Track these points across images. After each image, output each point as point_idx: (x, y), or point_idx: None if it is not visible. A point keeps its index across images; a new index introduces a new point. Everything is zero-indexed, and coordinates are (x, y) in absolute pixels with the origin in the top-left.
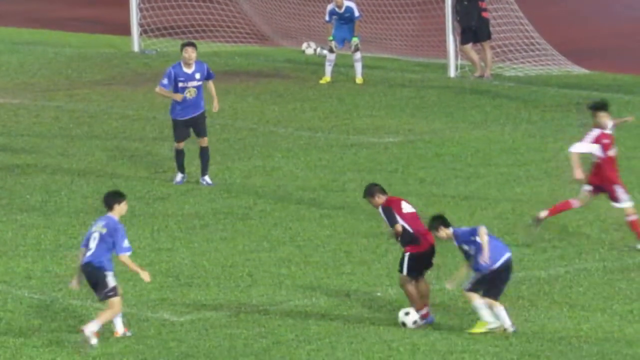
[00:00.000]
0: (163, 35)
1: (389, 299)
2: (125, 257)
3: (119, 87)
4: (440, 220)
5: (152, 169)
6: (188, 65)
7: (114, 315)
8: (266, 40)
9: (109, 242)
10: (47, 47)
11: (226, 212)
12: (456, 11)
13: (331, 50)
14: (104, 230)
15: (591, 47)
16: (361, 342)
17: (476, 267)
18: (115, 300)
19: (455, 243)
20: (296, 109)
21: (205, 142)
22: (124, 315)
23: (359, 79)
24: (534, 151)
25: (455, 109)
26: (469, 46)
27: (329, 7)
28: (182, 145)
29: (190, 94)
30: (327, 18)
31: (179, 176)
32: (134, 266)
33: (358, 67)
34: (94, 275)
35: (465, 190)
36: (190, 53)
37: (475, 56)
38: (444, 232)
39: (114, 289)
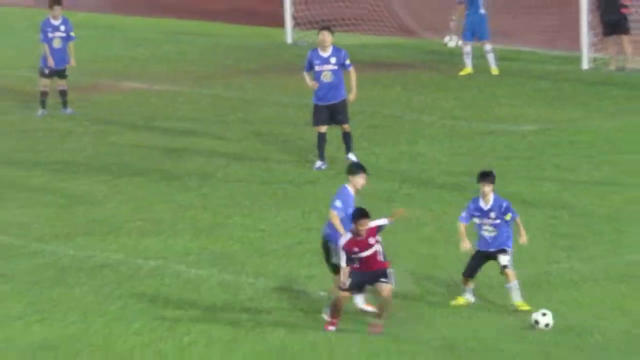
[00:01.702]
0: (314, 28)
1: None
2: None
3: (272, 76)
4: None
5: (303, 154)
6: (324, 49)
7: None
8: (411, 33)
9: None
10: (205, 37)
11: (371, 195)
12: (599, 5)
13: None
14: None
15: None
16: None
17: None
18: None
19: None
20: (439, 98)
21: (347, 128)
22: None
23: (494, 70)
24: None
25: (589, 100)
26: (609, 39)
27: None
28: (323, 129)
29: (326, 77)
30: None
31: (318, 163)
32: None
33: (491, 58)
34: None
35: (597, 176)
36: (326, 36)
37: (614, 49)
38: None
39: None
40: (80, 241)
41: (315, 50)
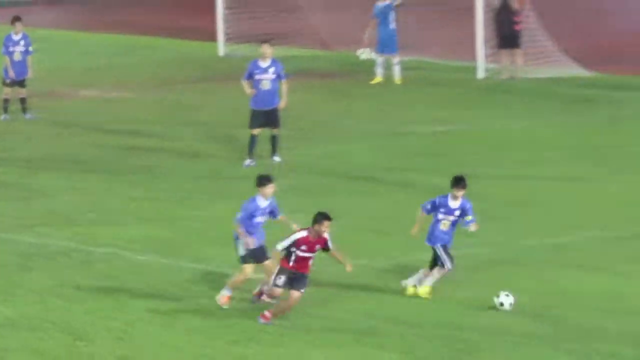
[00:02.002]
0: (244, 42)
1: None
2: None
3: (208, 83)
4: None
5: (236, 153)
6: (264, 60)
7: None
8: (329, 47)
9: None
10: (150, 50)
11: (296, 188)
12: (495, 21)
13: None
14: None
15: (597, 54)
16: None
17: None
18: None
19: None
20: (355, 104)
21: (277, 132)
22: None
23: (397, 80)
24: (550, 139)
25: (484, 104)
26: (502, 52)
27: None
28: (256, 131)
29: (264, 85)
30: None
31: (247, 161)
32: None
33: (397, 69)
34: None
35: (494, 169)
36: (267, 49)
37: (505, 61)
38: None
39: (244, 257)
40: (39, 230)
41: (255, 61)
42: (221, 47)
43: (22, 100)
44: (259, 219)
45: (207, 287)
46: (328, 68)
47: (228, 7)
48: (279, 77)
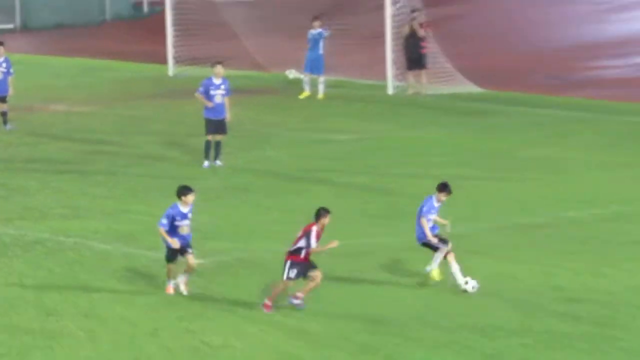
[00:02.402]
0: (191, 64)
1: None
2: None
3: (159, 99)
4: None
5: (184, 157)
6: (217, 77)
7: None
8: (261, 67)
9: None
10: (110, 71)
11: (233, 187)
12: (404, 46)
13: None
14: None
15: (487, 73)
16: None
17: None
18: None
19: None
20: (283, 116)
21: (223, 139)
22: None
23: (320, 96)
24: (448, 145)
25: (393, 117)
26: (409, 72)
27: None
28: (210, 137)
29: (217, 99)
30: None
31: (206, 162)
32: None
33: (321, 87)
34: None
35: (400, 172)
36: (219, 69)
37: (412, 79)
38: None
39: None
40: (17, 223)
41: (210, 78)
42: (170, 68)
43: (4, 114)
44: (181, 223)
45: (160, 271)
46: (261, 86)
47: (176, 34)
48: (227, 92)
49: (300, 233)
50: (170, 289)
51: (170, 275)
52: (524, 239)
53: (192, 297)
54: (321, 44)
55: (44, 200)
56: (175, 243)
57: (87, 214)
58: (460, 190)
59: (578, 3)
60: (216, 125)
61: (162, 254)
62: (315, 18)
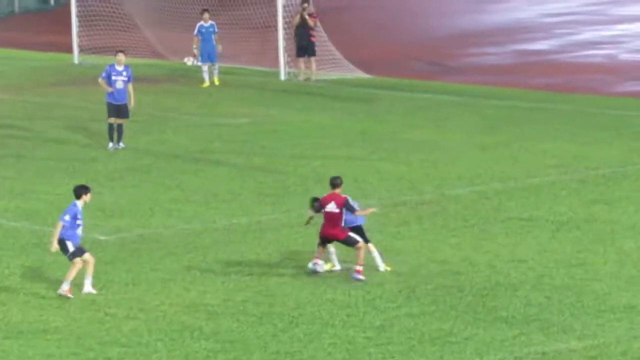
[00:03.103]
0: (94, 53)
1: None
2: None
3: (65, 87)
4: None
5: (86, 140)
6: (119, 64)
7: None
8: (160, 56)
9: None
10: (18, 61)
11: (134, 169)
12: (295, 34)
13: (195, 58)
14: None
15: (373, 61)
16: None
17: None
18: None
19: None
20: (180, 101)
21: (123, 122)
22: None
23: (216, 80)
24: (337, 128)
25: (285, 101)
26: (300, 59)
27: (198, 24)
28: (112, 120)
29: (119, 85)
30: (195, 32)
31: (110, 144)
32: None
33: (216, 73)
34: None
35: (291, 152)
36: (121, 57)
37: (302, 66)
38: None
39: (74, 253)
40: None
41: (112, 65)
42: (76, 57)
43: None
44: (80, 221)
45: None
46: (160, 74)
47: (81, 25)
48: (129, 79)
49: (329, 206)
50: (68, 290)
51: (72, 275)
52: (410, 216)
53: (97, 271)
54: (213, 35)
55: None
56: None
57: None
58: (348, 170)
59: None
60: (117, 110)
61: None
62: (205, 10)
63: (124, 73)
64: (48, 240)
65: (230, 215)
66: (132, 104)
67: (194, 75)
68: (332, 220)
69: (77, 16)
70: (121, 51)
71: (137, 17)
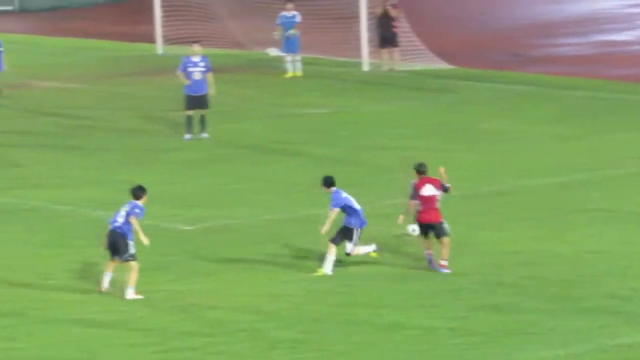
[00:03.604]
0: (177, 43)
1: None
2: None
3: (148, 77)
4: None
5: (169, 129)
6: (195, 55)
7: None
8: (242, 46)
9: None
10: (98, 51)
11: (213, 159)
12: (377, 25)
13: (278, 40)
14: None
15: (454, 51)
16: None
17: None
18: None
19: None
20: (261, 92)
21: (205, 112)
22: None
23: (298, 73)
24: (417, 119)
25: (367, 92)
26: (383, 50)
27: (280, 13)
28: (190, 112)
29: (196, 76)
30: (277, 21)
31: (187, 135)
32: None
33: (298, 65)
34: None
35: (373, 142)
36: (197, 47)
37: (386, 57)
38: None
39: (134, 255)
40: (15, 192)
41: (188, 57)
42: (159, 47)
43: None
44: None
45: (148, 235)
46: (242, 64)
47: (164, 15)
48: (207, 69)
49: (424, 189)
50: (135, 293)
51: (134, 279)
52: (486, 206)
53: (180, 261)
54: (295, 25)
55: (39, 171)
56: (145, 240)
57: (80, 184)
58: (428, 160)
59: None
60: (196, 101)
61: (149, 220)
62: (289, 1)
63: (201, 64)
64: None
65: (311, 206)
66: (211, 92)
67: (276, 65)
68: (430, 203)
69: (161, 6)
70: (196, 42)
71: (220, 7)
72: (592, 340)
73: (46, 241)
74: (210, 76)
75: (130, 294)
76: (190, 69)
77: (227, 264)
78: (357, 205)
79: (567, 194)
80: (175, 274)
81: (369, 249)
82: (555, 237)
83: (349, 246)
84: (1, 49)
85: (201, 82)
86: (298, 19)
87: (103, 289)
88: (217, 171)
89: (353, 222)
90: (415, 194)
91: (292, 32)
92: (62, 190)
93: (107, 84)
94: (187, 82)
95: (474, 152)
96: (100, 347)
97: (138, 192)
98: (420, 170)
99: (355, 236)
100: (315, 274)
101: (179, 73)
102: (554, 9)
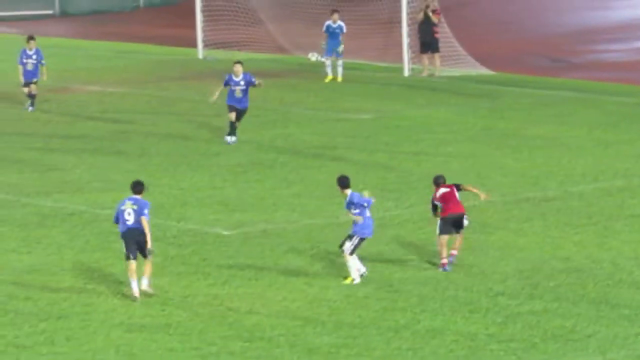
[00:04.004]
0: (218, 47)
1: None
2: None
3: (189, 81)
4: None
5: (210, 135)
6: (237, 75)
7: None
8: (284, 51)
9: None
10: (141, 54)
11: (258, 163)
12: (418, 31)
13: (323, 49)
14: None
15: (495, 57)
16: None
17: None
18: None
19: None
20: (303, 96)
21: (238, 123)
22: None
23: (339, 78)
24: (459, 124)
25: (408, 97)
26: (424, 55)
27: (325, 23)
28: (232, 117)
29: (237, 93)
30: (324, 29)
31: (231, 138)
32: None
33: (340, 70)
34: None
35: (414, 148)
36: (238, 68)
37: (426, 62)
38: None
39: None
40: (56, 196)
41: (230, 74)
42: (200, 52)
43: (33, 96)
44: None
45: (188, 240)
46: (284, 68)
47: (205, 19)
48: (248, 85)
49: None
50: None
51: (132, 275)
52: (533, 212)
53: (220, 266)
54: (340, 36)
55: (81, 174)
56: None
57: (121, 188)
58: (471, 166)
59: None
60: (236, 112)
61: (190, 225)
62: (334, 11)
63: (242, 82)
64: (171, 234)
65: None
66: (260, 84)
67: (317, 70)
68: (449, 198)
69: (202, 11)
70: (239, 62)
71: (262, 12)
72: (630, 346)
73: (86, 245)
74: (259, 83)
75: (148, 284)
76: (232, 87)
77: (266, 270)
78: (367, 213)
79: (609, 200)
80: (215, 279)
81: (358, 270)
82: (595, 243)
83: (347, 244)
84: (43, 61)
85: (241, 99)
86: (344, 29)
87: (137, 296)
88: (260, 176)
89: (355, 228)
90: (433, 200)
91: (340, 48)
92: (103, 194)
93: (150, 88)
94: (212, 99)
95: (518, 158)
96: (140, 351)
97: (139, 187)
98: (438, 182)
99: (353, 241)
100: (344, 282)
101: (223, 88)
102: (597, 15)
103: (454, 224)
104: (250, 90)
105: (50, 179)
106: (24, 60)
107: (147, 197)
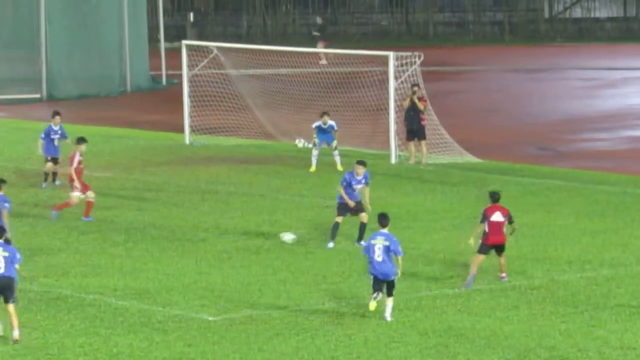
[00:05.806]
0: (205, 133)
1: None
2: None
3: (175, 166)
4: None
5: (198, 221)
6: (358, 174)
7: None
8: (271, 137)
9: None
10: (128, 139)
11: (244, 249)
12: (405, 118)
13: (314, 145)
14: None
15: (481, 145)
16: None
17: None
18: None
19: None
20: (290, 182)
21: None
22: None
23: (339, 167)
24: (447, 212)
25: (394, 184)
26: (410, 142)
27: (315, 123)
28: (340, 219)
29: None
30: (313, 126)
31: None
32: None
33: (337, 159)
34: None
35: (402, 236)
36: (360, 169)
37: (413, 149)
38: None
39: None
40: (41, 281)
41: (351, 172)
42: (187, 137)
43: (55, 173)
44: None
45: (174, 325)
46: (270, 154)
47: (192, 105)
48: (365, 182)
49: (494, 216)
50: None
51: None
52: (519, 300)
53: (204, 352)
54: (332, 133)
55: (66, 259)
56: None
57: (106, 272)
58: (459, 254)
59: (570, 79)
60: (352, 207)
61: (175, 310)
62: (324, 113)
63: (363, 180)
64: (156, 319)
65: (340, 297)
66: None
67: (305, 156)
68: (498, 228)
69: (189, 96)
70: (361, 162)
71: (249, 98)
72: None
73: (72, 330)
74: (366, 190)
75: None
76: (354, 186)
77: (252, 355)
78: (377, 258)
79: (596, 289)
80: None
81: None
82: (582, 333)
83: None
84: (67, 136)
85: (357, 194)
86: (335, 127)
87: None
88: (245, 262)
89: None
90: (485, 219)
91: (334, 144)
92: (89, 279)
93: (136, 172)
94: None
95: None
96: None
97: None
98: (495, 197)
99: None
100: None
101: (340, 188)
102: (583, 104)
103: (494, 248)
104: (239, 175)
105: (36, 262)
106: (51, 136)
107: (132, 282)
